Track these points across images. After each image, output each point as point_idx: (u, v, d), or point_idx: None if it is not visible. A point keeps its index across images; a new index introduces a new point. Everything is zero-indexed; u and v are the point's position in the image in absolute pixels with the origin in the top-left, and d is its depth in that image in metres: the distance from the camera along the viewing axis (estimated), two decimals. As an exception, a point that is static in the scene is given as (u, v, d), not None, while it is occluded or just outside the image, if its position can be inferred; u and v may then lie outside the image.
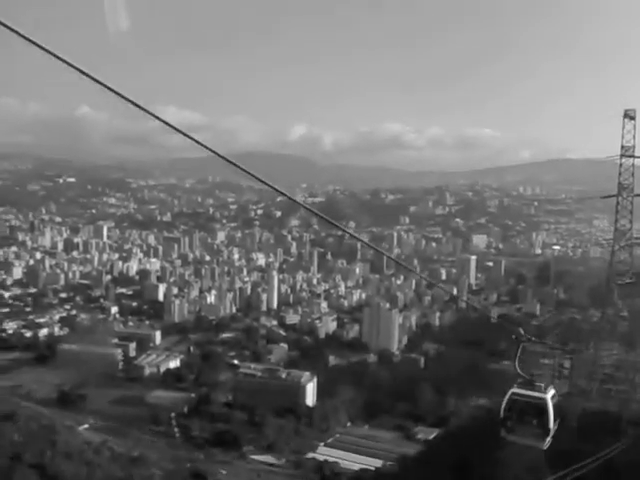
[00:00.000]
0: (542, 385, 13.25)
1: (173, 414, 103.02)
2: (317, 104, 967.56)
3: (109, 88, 4.74)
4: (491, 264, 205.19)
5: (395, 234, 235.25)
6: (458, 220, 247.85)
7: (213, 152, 6.14)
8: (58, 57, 4.52)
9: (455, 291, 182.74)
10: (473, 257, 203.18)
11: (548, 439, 13.13)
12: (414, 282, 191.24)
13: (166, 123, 5.36)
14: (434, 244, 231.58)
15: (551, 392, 13.33)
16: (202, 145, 5.88)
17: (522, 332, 13.92)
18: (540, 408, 12.92)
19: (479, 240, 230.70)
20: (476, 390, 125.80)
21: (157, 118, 5.27)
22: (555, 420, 13.08)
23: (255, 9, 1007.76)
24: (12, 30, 4.30)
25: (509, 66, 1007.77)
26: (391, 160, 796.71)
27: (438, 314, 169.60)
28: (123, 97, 4.80)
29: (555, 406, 13.24)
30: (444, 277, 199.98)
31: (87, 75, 4.56)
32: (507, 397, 13.25)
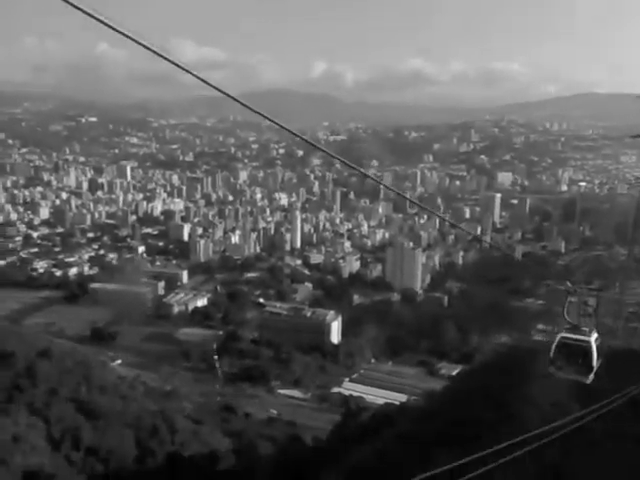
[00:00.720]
0: (587, 329, 14.41)
1: (215, 356, 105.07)
2: (338, 40, 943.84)
3: (114, 28, 4.69)
4: (516, 202, 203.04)
5: (418, 172, 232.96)
6: (483, 157, 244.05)
7: (223, 92, 6.01)
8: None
9: (479, 230, 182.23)
10: (498, 195, 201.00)
11: (591, 375, 14.39)
12: (437, 221, 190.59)
13: (173, 63, 5.32)
14: (458, 182, 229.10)
15: (594, 335, 14.48)
16: (211, 85, 5.81)
17: (570, 285, 15.05)
18: (585, 349, 14.14)
19: (504, 177, 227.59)
20: (499, 327, 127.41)
21: (164, 58, 5.23)
22: (597, 359, 14.30)
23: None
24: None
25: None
26: (414, 97, 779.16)
27: (462, 253, 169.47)
28: (125, 35, 4.76)
29: (598, 347, 14.42)
30: (468, 215, 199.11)
31: (94, 17, 4.53)
32: (556, 340, 14.46)
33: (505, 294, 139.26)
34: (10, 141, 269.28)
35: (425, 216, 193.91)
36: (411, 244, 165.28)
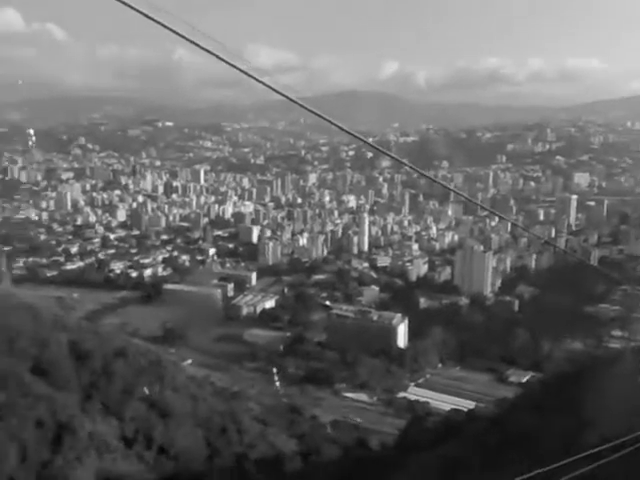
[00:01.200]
0: None
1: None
2: (410, 41, 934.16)
3: (184, 36, 4.90)
4: (593, 204, 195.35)
5: (491, 173, 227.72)
6: (559, 158, 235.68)
7: (287, 97, 6.14)
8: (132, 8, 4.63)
9: (553, 232, 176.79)
10: (574, 196, 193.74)
11: None
12: (509, 223, 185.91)
13: (235, 66, 5.49)
14: (532, 183, 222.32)
15: None
16: (276, 91, 5.94)
17: None
18: None
19: (581, 178, 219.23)
20: (572, 334, 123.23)
21: (234, 66, 5.41)
22: None
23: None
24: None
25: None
26: (488, 96, 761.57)
27: (534, 256, 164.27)
28: (195, 44, 4.97)
29: None
30: (542, 217, 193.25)
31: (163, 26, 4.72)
32: None
33: (579, 299, 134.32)
34: (90, 145, 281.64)
35: (496, 218, 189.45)
36: (481, 247, 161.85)
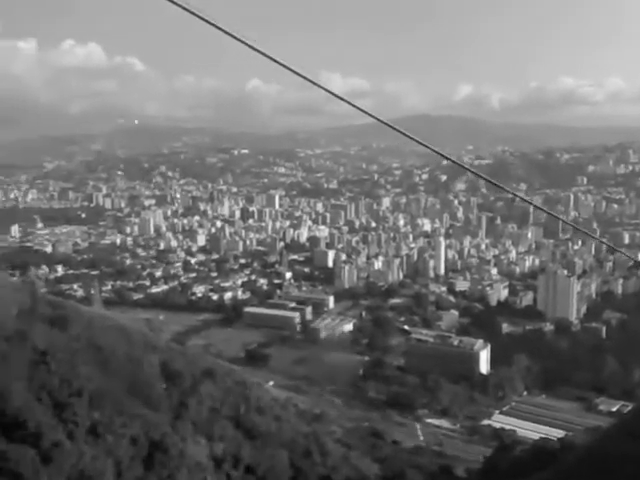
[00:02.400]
0: None
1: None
2: (483, 63, 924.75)
3: (276, 61, 5.11)
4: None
5: (572, 196, 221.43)
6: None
7: (375, 118, 6.40)
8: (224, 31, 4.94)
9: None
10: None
11: None
12: (593, 247, 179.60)
13: (331, 93, 5.77)
14: (615, 206, 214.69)
15: None
16: (365, 112, 6.23)
17: None
18: None
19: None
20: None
21: (325, 89, 5.68)
22: None
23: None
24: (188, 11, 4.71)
25: None
26: (565, 117, 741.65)
27: (621, 281, 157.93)
28: (289, 69, 5.20)
29: None
30: (627, 241, 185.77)
31: (255, 49, 4.92)
32: None
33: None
34: (170, 173, 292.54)
35: (579, 242, 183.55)
36: (565, 271, 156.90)
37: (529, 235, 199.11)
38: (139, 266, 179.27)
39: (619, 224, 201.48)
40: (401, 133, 6.76)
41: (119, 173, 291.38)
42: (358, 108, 6.36)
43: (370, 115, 6.45)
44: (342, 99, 6.12)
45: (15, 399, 30.87)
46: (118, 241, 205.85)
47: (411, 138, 6.90)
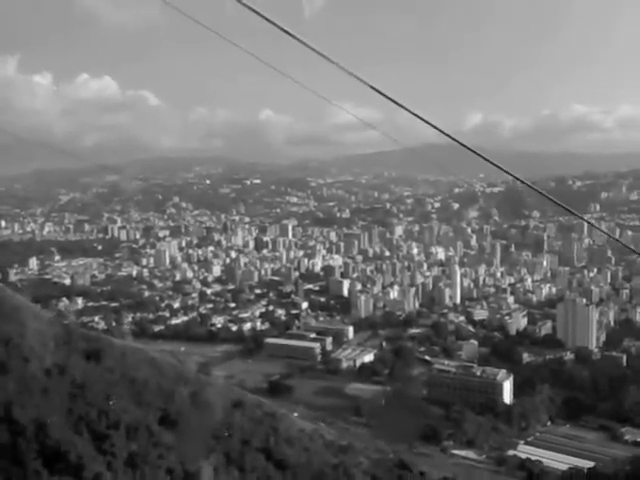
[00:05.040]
0: None
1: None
2: (493, 90, 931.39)
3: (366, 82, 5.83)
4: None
5: (585, 223, 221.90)
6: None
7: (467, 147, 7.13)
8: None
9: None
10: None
11: None
12: (609, 274, 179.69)
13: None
14: (630, 232, 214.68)
15: None
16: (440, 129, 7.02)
17: None
18: None
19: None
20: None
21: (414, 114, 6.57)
22: None
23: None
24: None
25: None
26: (577, 144, 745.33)
27: (639, 309, 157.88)
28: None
29: None
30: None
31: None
32: None
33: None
34: (184, 204, 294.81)
35: (595, 270, 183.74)
36: (584, 300, 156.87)
37: (544, 263, 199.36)
38: (157, 297, 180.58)
39: (634, 251, 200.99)
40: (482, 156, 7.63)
41: (134, 205, 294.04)
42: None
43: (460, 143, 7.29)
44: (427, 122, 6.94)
45: (55, 431, 31.73)
46: (134, 273, 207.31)
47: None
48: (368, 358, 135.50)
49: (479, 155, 7.89)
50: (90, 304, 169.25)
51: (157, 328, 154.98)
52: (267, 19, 5.54)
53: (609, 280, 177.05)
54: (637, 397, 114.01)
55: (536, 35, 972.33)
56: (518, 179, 8.77)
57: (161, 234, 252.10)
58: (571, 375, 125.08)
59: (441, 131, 7.24)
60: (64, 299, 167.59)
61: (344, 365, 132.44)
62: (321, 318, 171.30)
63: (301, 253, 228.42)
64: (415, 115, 6.85)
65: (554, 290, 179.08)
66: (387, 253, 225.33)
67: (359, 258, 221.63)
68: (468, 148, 7.50)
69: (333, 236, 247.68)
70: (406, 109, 6.56)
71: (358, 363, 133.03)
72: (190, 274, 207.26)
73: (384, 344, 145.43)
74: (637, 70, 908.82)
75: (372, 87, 6.30)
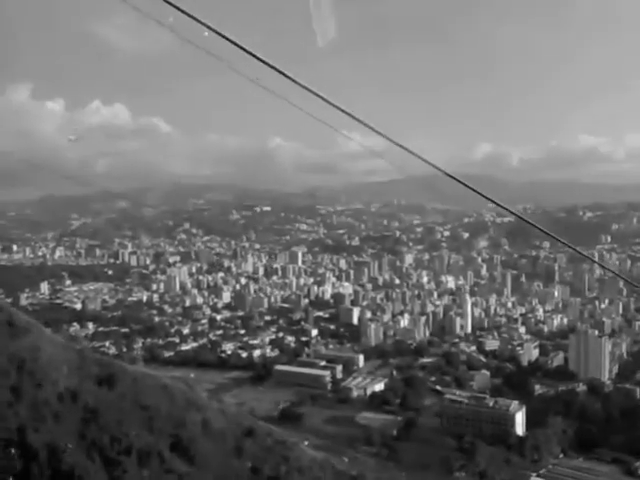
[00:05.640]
0: None
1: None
2: (502, 121, 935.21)
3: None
4: None
5: (596, 254, 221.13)
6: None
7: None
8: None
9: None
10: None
11: None
12: (621, 305, 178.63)
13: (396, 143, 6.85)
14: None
15: None
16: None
17: None
18: None
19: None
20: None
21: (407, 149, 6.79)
22: None
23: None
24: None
25: None
26: (586, 174, 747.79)
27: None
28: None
29: None
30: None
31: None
32: None
33: None
34: (194, 230, 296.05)
35: (606, 300, 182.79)
36: (596, 331, 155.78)
37: (555, 293, 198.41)
38: (167, 323, 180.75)
39: (632, 283, 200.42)
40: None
41: (144, 230, 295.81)
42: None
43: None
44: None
45: (68, 456, 31.95)
46: (145, 298, 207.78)
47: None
48: (379, 387, 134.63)
49: (469, 187, 8.25)
50: (101, 329, 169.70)
51: (167, 354, 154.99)
52: (265, 62, 5.90)
53: (621, 311, 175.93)
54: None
55: (546, 66, 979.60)
56: (510, 211, 9.18)
57: (171, 260, 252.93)
58: (583, 407, 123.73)
59: (431, 164, 7.58)
60: (75, 324, 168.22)
61: (354, 394, 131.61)
62: (331, 346, 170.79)
63: (311, 280, 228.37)
64: (402, 147, 7.24)
65: (565, 321, 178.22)
66: (397, 281, 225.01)
67: (369, 286, 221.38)
68: (455, 179, 7.88)
69: (343, 264, 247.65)
70: (391, 141, 6.97)
71: (369, 392, 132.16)
72: (200, 300, 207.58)
73: (395, 373, 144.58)
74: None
75: (361, 121, 6.66)
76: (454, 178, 7.86)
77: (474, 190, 8.12)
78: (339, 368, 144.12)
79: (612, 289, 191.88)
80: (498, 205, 8.97)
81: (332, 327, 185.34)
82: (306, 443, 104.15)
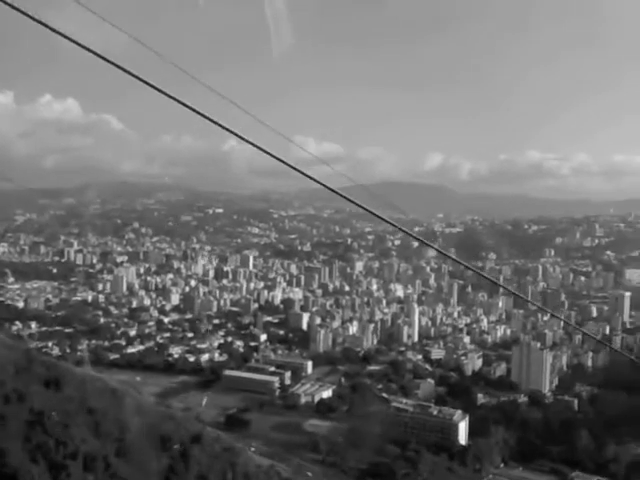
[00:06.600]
0: None
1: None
2: (454, 133, 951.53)
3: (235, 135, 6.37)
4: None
5: (540, 267, 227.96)
6: (609, 253, 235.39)
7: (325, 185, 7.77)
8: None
9: (607, 330, 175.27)
10: (627, 293, 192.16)
11: None
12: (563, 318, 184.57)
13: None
14: (583, 278, 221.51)
15: None
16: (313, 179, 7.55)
17: None
18: None
19: (632, 275, 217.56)
20: (635, 437, 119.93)
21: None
22: None
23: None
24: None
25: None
26: (532, 189, 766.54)
27: (590, 354, 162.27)
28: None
29: None
30: (595, 314, 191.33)
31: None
32: None
33: (639, 401, 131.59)
34: (143, 230, 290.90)
35: (549, 313, 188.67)
36: (538, 344, 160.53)
37: (500, 304, 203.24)
38: (113, 324, 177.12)
39: (587, 297, 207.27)
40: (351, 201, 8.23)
41: (91, 228, 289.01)
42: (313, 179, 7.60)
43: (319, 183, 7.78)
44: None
45: (12, 459, 31.48)
46: (90, 298, 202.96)
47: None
48: (327, 394, 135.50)
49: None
50: (44, 329, 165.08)
51: (112, 356, 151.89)
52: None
53: (562, 325, 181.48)
54: (587, 442, 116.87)
55: (498, 83, 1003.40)
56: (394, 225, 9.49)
57: (119, 259, 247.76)
58: (524, 417, 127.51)
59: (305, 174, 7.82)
60: (17, 322, 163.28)
61: (302, 400, 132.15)
62: (280, 351, 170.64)
63: (261, 284, 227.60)
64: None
65: (509, 332, 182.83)
66: (347, 288, 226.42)
67: (319, 292, 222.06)
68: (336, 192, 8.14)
69: (294, 269, 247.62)
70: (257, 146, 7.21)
71: (317, 398, 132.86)
72: (147, 301, 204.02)
73: (343, 380, 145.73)
74: (591, 119, 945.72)
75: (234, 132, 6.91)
76: (340, 194, 8.15)
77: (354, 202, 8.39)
78: (288, 374, 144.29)
79: (554, 302, 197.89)
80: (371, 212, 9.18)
81: (281, 332, 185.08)
82: (252, 449, 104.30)
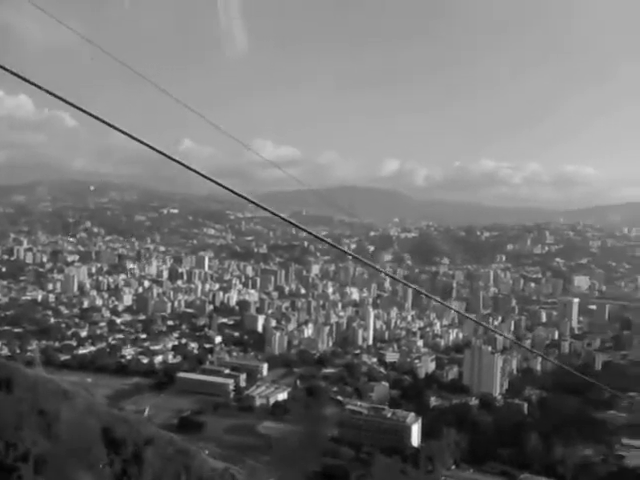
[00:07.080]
0: None
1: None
2: (410, 140, 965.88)
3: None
4: (594, 307, 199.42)
5: (491, 272, 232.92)
6: (558, 260, 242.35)
7: (240, 195, 7.97)
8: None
9: (557, 335, 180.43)
10: (575, 300, 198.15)
11: None
12: (513, 323, 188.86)
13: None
14: (533, 284, 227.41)
15: None
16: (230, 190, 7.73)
17: None
18: None
19: (581, 282, 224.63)
20: (582, 439, 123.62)
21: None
22: None
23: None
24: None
25: (609, 96, 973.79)
26: (485, 196, 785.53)
27: (540, 359, 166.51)
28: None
29: None
30: (544, 319, 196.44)
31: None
32: None
33: (586, 405, 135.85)
34: (95, 229, 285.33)
35: (500, 317, 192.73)
36: (489, 347, 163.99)
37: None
38: (63, 325, 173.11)
39: (536, 302, 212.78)
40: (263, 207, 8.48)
41: (42, 227, 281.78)
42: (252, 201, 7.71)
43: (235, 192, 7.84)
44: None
45: None
46: (40, 297, 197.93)
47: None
48: (282, 396, 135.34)
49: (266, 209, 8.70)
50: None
51: (63, 357, 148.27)
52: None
53: (512, 329, 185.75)
54: (535, 444, 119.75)
55: (455, 92, 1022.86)
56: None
57: (70, 259, 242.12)
58: (476, 420, 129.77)
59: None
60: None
61: (257, 403, 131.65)
62: (235, 353, 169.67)
63: (217, 286, 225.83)
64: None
65: (461, 336, 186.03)
66: (303, 291, 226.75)
67: (275, 294, 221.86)
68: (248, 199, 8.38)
69: (250, 271, 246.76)
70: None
71: (272, 401, 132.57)
72: (99, 302, 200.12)
73: (298, 382, 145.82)
74: (544, 131, 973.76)
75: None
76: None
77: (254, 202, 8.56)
78: (243, 376, 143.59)
79: (505, 307, 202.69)
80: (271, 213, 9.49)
81: (236, 334, 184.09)
82: (206, 452, 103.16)
